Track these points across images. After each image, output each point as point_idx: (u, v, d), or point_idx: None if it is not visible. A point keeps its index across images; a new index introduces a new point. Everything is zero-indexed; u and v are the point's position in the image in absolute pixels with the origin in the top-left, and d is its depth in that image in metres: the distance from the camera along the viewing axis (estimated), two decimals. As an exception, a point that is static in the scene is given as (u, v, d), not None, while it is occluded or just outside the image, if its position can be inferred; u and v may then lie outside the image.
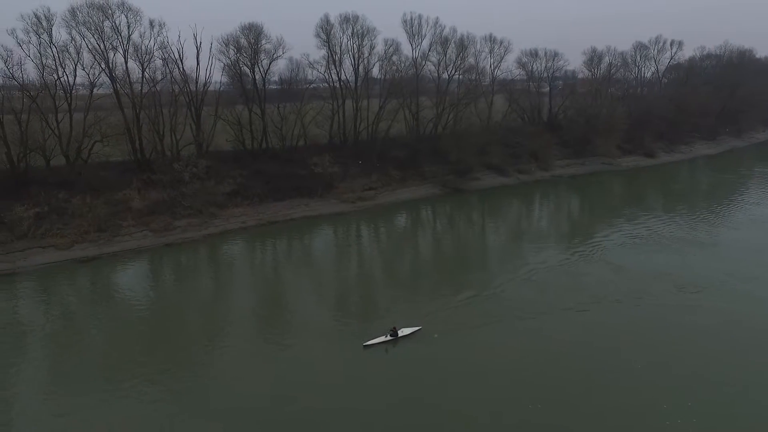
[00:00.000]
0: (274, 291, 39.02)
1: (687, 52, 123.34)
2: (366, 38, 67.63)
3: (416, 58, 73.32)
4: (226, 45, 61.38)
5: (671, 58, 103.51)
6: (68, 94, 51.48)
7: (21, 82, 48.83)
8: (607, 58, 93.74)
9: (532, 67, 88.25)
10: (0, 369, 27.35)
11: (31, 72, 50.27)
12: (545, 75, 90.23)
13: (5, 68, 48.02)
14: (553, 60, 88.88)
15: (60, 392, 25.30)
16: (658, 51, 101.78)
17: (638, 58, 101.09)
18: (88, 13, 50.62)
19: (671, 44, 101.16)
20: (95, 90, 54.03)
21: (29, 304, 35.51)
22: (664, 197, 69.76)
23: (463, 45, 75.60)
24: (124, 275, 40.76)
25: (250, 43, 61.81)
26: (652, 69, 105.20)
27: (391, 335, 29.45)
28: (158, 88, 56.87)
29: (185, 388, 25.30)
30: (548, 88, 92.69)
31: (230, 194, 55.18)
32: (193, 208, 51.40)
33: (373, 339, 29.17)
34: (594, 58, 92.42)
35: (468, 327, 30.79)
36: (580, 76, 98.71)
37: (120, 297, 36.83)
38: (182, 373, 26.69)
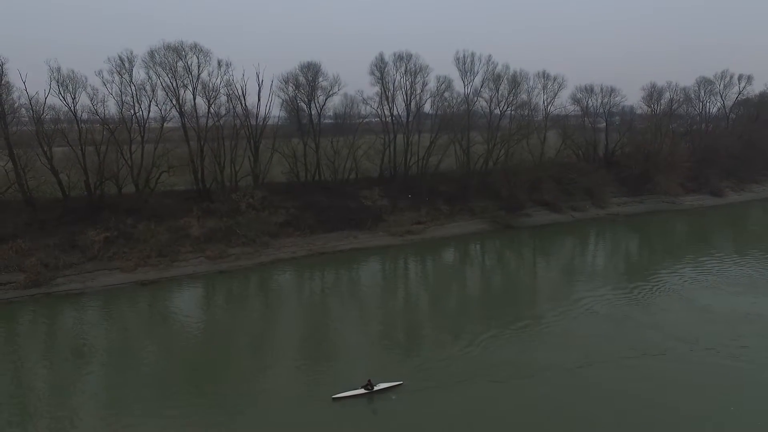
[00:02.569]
0: (316, 322, 39.04)
1: (757, 87, 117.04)
2: (419, 75, 69.33)
3: (468, 95, 74.08)
4: (285, 82, 64.91)
5: (739, 93, 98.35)
6: (142, 128, 55.84)
7: (102, 117, 53.61)
8: (667, 93, 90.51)
9: (587, 103, 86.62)
10: (64, 384, 29.08)
11: (111, 107, 55.18)
12: (601, 111, 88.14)
13: (91, 105, 53.11)
14: (610, 96, 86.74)
15: (118, 409, 26.41)
16: (724, 86, 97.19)
17: (702, 93, 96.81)
18: (164, 54, 55.36)
19: (739, 78, 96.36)
20: (165, 123, 58.35)
21: (95, 323, 37.74)
22: (735, 238, 65.05)
23: (515, 81, 75.59)
24: (180, 299, 42.61)
25: (308, 81, 64.93)
26: (718, 104, 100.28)
27: (365, 389, 27.26)
28: (221, 123, 60.55)
29: (228, 414, 25.72)
30: (604, 124, 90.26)
31: (282, 224, 56.95)
32: (247, 236, 53.39)
33: (344, 392, 26.96)
34: (653, 93, 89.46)
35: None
36: (639, 111, 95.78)
37: (175, 320, 38.47)
38: (227, 398, 27.19)
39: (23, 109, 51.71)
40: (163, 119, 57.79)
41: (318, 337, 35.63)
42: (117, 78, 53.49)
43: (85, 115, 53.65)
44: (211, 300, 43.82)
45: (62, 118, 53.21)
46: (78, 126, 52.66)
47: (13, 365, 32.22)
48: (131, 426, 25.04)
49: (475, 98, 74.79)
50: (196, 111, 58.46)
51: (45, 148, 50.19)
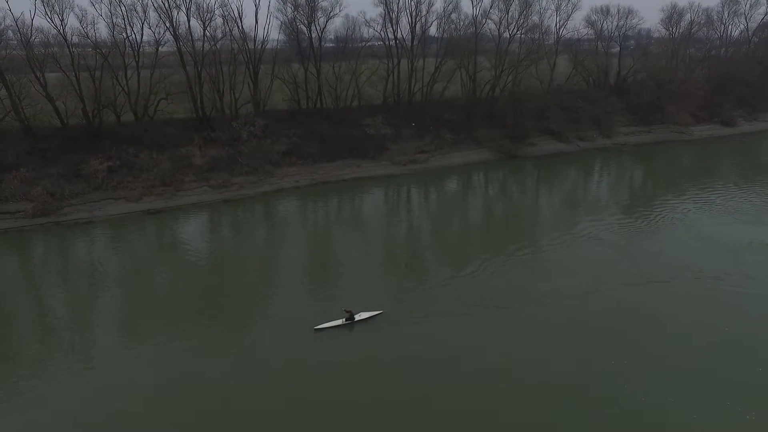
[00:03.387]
0: (319, 249, 39.97)
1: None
2: (425, -5, 65.18)
3: (476, 16, 70.30)
4: (284, 2, 61.51)
5: (766, 14, 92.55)
6: (136, 52, 53.69)
7: (94, 41, 51.39)
8: (688, 15, 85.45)
9: (601, 26, 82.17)
10: (80, 307, 30.44)
11: (102, 31, 52.77)
12: (616, 34, 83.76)
13: (80, 27, 50.70)
14: (627, 18, 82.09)
15: (130, 329, 27.87)
16: (750, 5, 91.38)
17: (726, 14, 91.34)
18: (153, -29, 51.82)
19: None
20: (160, 48, 56.04)
21: (105, 250, 38.76)
22: (743, 168, 64.34)
23: (527, 2, 71.27)
24: (187, 227, 43.39)
25: (307, 1, 61.30)
26: (741, 27, 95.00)
27: (346, 319, 27.60)
28: (218, 47, 58.07)
29: (228, 332, 27.18)
30: (618, 49, 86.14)
31: (285, 153, 56.45)
32: (249, 166, 53.17)
33: (325, 323, 27.44)
34: (673, 15, 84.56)
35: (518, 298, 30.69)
36: (656, 35, 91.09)
37: (182, 247, 39.42)
38: (227, 320, 28.56)
39: (9, 31, 49.59)
40: (158, 43, 55.48)
41: (319, 264, 36.58)
42: (105, -3, 50.61)
43: (75, 39, 51.52)
44: (216, 228, 44.55)
45: (52, 41, 51.08)
46: (69, 50, 50.63)
47: (31, 289, 33.60)
48: (144, 344, 26.49)
49: (484, 20, 71.19)
50: (191, 34, 55.90)
51: (38, 74, 48.68)
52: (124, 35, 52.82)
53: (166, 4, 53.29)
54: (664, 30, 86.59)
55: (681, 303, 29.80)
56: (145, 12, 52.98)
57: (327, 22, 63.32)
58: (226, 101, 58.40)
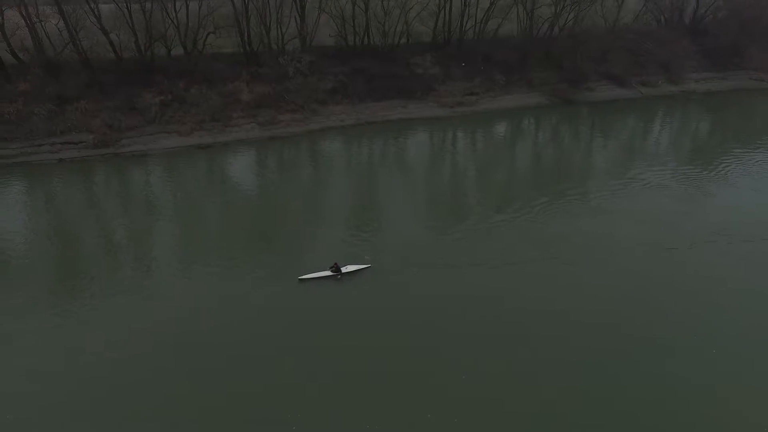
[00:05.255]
0: (358, 190, 40.18)
1: None
2: None
3: (540, -56, 64.07)
4: (332, -72, 58.01)
5: None
6: (184, -17, 53.00)
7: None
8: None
9: (682, -45, 73.35)
10: (138, 236, 32.53)
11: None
12: (698, -35, 74.75)
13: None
14: (713, -55, 72.73)
15: (184, 259, 29.65)
16: None
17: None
18: None
19: None
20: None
21: (159, 182, 40.75)
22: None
23: (598, -74, 64.20)
24: (234, 163, 44.49)
25: (357, -73, 57.76)
26: None
27: (332, 271, 27.55)
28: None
29: (275, 263, 28.34)
30: (698, -17, 77.21)
31: (331, 91, 55.77)
32: (295, 103, 53.08)
33: (309, 273, 27.39)
34: (770, -59, 73.99)
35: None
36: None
37: (229, 182, 40.81)
38: (274, 252, 29.80)
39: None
40: (205, -27, 54.30)
41: (356, 206, 37.01)
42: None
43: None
44: (262, 165, 45.49)
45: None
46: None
47: (93, 218, 36.01)
48: (197, 272, 28.23)
49: (548, -52, 64.79)
50: (238, -37, 54.26)
51: (91, 5, 49.29)
52: (173, -35, 52.02)
53: (214, -69, 51.70)
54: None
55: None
56: (192, -61, 51.71)
57: (377, -50, 59.72)
58: (272, 36, 57.47)
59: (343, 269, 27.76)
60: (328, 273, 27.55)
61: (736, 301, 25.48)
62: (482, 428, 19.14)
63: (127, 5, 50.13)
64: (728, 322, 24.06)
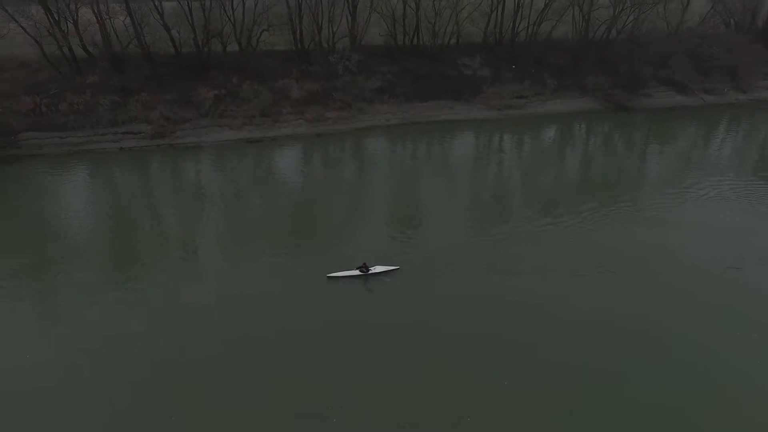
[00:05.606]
0: (400, 190, 40.15)
1: None
2: None
3: (600, -57, 61.89)
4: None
5: None
6: (242, -18, 54.78)
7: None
8: None
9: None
10: (188, 224, 33.93)
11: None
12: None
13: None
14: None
15: (231, 247, 30.67)
16: None
17: None
18: None
19: None
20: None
21: (210, 173, 42.31)
22: None
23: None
24: (282, 158, 45.61)
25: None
26: None
27: (361, 270, 27.32)
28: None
29: (314, 253, 28.74)
30: (774, -16, 72.41)
31: (378, 90, 56.12)
32: (343, 101, 53.76)
33: (338, 271, 27.32)
34: None
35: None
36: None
37: (276, 176, 41.92)
38: (310, 247, 30.28)
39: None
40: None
41: (401, 206, 37.03)
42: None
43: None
44: (308, 161, 46.37)
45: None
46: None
47: (147, 204, 37.88)
48: (242, 261, 29.11)
49: (609, -52, 62.50)
50: (294, -37, 55.54)
51: (156, 2, 51.77)
52: (233, -36, 53.85)
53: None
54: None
55: None
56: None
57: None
58: (324, 35, 58.48)
59: (372, 269, 27.56)
60: (356, 272, 27.47)
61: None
62: (517, 437, 18.68)
63: (188, 3, 52.35)
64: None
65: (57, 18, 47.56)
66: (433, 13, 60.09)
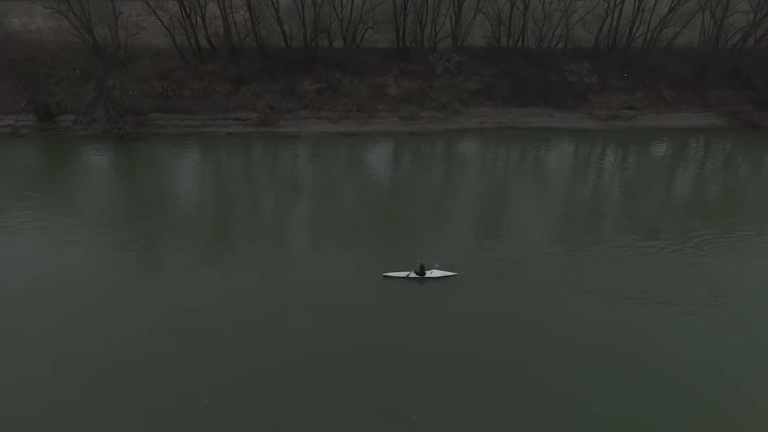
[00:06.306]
0: (488, 196, 39.32)
1: None
2: None
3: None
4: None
5: None
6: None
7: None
8: None
9: None
10: (281, 209, 36.04)
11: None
12: None
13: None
14: None
15: (320, 234, 32.16)
16: None
17: None
18: None
19: None
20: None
21: (305, 163, 44.68)
22: None
23: None
24: (373, 154, 46.63)
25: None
26: None
27: (417, 273, 26.82)
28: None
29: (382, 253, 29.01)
30: None
31: (475, 92, 55.18)
32: (438, 101, 53.60)
33: (395, 272, 27.26)
34: None
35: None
36: None
37: (366, 171, 42.96)
38: (385, 240, 30.55)
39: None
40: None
41: (484, 212, 36.32)
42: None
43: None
44: (399, 159, 46.92)
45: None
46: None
47: (247, 186, 40.85)
48: (317, 249, 30.60)
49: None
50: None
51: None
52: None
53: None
54: None
55: None
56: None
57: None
58: (426, 34, 58.63)
59: (429, 273, 27.14)
60: (412, 274, 27.32)
61: None
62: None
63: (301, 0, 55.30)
64: None
65: (188, 12, 52.58)
66: (541, 16, 57.70)
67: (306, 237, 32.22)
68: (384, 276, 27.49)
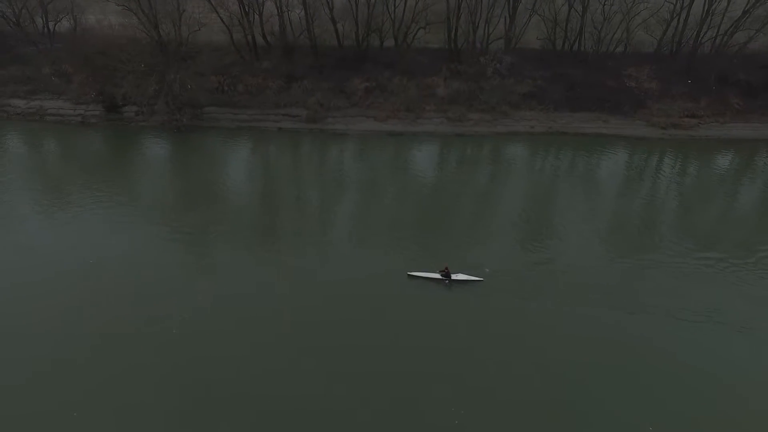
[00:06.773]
0: (534, 204, 38.21)
1: None
2: None
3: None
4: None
5: None
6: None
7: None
8: None
9: None
10: (325, 204, 36.75)
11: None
12: None
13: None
14: None
15: (361, 231, 32.65)
16: None
17: None
18: None
19: None
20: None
21: (351, 160, 45.26)
22: None
23: None
24: (419, 154, 46.52)
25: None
26: None
27: (442, 275, 26.80)
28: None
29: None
30: None
31: (525, 96, 53.94)
32: (488, 103, 52.83)
33: (420, 272, 27.34)
34: None
35: None
36: None
37: (410, 171, 42.98)
38: (420, 242, 30.39)
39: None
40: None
41: (526, 219, 35.43)
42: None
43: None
44: (444, 160, 46.63)
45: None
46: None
47: (294, 180, 41.81)
48: (364, 245, 31.00)
49: None
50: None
51: (329, -1, 56.26)
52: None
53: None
54: None
55: None
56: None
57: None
58: (478, 35, 57.88)
59: (454, 276, 27.05)
60: (437, 275, 27.25)
61: None
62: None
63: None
64: None
65: (247, 10, 54.43)
66: (601, 18, 55.62)
67: (346, 232, 32.74)
68: (408, 275, 27.67)
